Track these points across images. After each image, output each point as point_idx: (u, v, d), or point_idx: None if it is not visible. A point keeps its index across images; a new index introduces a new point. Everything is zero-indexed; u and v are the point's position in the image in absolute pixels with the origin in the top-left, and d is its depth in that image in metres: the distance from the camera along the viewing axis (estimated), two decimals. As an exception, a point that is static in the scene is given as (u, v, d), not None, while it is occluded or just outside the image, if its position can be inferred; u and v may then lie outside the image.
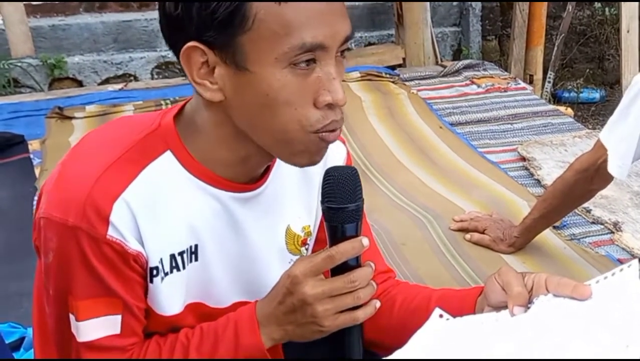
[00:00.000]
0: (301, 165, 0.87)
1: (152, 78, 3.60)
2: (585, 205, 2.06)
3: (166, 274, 0.86)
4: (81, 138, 0.91)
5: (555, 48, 3.70)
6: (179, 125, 0.87)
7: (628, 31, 3.45)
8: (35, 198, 2.25)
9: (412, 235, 2.04)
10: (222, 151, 0.86)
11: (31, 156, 2.54)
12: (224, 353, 0.86)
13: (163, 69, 3.65)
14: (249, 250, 0.93)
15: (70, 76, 3.52)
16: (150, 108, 2.89)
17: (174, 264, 0.86)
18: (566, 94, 3.93)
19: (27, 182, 2.37)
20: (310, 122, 0.81)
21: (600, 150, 1.57)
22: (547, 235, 1.97)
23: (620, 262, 1.92)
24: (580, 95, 3.93)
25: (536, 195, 2.20)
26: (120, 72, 3.59)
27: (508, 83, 3.20)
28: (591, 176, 1.63)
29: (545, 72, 3.69)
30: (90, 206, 0.80)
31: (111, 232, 0.81)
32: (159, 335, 0.90)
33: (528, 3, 3.57)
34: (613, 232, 2.05)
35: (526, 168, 2.45)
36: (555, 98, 3.82)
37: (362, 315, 0.84)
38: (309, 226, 0.99)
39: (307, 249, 1.00)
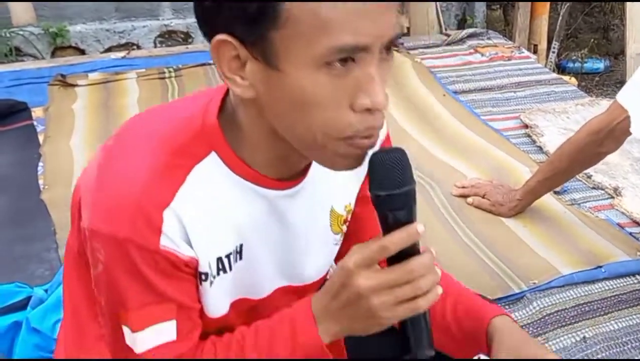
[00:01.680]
0: (337, 170, 0.82)
1: (155, 47, 3.59)
2: (586, 170, 2.07)
3: (214, 277, 0.84)
4: (116, 134, 0.85)
5: (560, 17, 3.67)
6: (223, 123, 0.81)
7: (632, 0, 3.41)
8: (40, 165, 2.28)
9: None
10: (262, 150, 0.82)
11: (35, 123, 2.55)
12: (281, 351, 0.82)
13: (166, 37, 3.64)
14: (293, 237, 0.90)
15: (73, 45, 3.51)
16: (153, 75, 2.89)
17: (220, 267, 0.84)
18: (570, 64, 3.90)
19: (30, 149, 2.39)
20: (339, 127, 0.74)
21: (616, 111, 1.57)
22: (548, 200, 1.98)
23: (620, 225, 1.93)
24: (585, 65, 3.90)
25: (538, 162, 2.21)
26: (123, 41, 3.58)
27: (512, 52, 3.19)
28: (602, 138, 1.62)
29: (549, 42, 3.67)
30: (141, 217, 0.76)
31: (164, 242, 0.78)
32: (215, 334, 0.88)
33: (533, -28, 3.54)
34: (613, 197, 2.06)
35: (528, 136, 2.45)
36: (560, 69, 3.80)
37: (423, 303, 0.77)
38: (350, 204, 0.97)
39: (346, 227, 0.98)
